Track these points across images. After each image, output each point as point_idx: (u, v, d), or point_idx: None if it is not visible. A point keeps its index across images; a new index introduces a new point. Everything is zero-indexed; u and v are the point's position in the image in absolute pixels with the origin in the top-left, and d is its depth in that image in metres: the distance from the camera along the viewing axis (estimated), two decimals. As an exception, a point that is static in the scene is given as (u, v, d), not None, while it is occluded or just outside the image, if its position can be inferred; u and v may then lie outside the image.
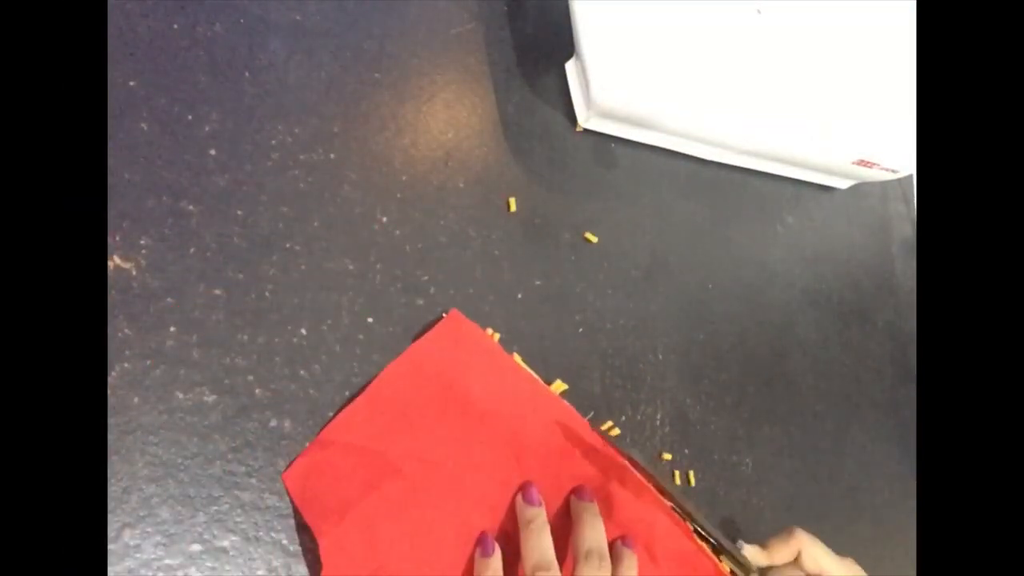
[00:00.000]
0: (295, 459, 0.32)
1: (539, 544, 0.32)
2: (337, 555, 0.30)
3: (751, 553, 0.37)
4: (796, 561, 0.38)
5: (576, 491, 0.36)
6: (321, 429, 0.32)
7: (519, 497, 0.34)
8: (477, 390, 0.36)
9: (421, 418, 0.34)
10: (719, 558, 0.37)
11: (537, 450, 0.36)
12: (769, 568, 0.38)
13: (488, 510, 0.34)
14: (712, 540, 0.38)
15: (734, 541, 0.38)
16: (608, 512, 0.36)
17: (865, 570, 0.38)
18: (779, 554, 0.38)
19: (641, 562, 0.35)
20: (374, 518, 0.31)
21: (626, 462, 0.38)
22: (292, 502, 0.31)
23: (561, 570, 0.31)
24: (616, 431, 0.41)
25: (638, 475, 0.37)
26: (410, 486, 0.33)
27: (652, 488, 0.37)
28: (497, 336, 0.38)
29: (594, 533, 0.33)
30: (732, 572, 0.38)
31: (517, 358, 0.38)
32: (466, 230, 0.39)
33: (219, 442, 0.30)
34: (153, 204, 0.31)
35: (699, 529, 0.38)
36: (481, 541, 0.33)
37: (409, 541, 0.32)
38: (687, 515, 0.37)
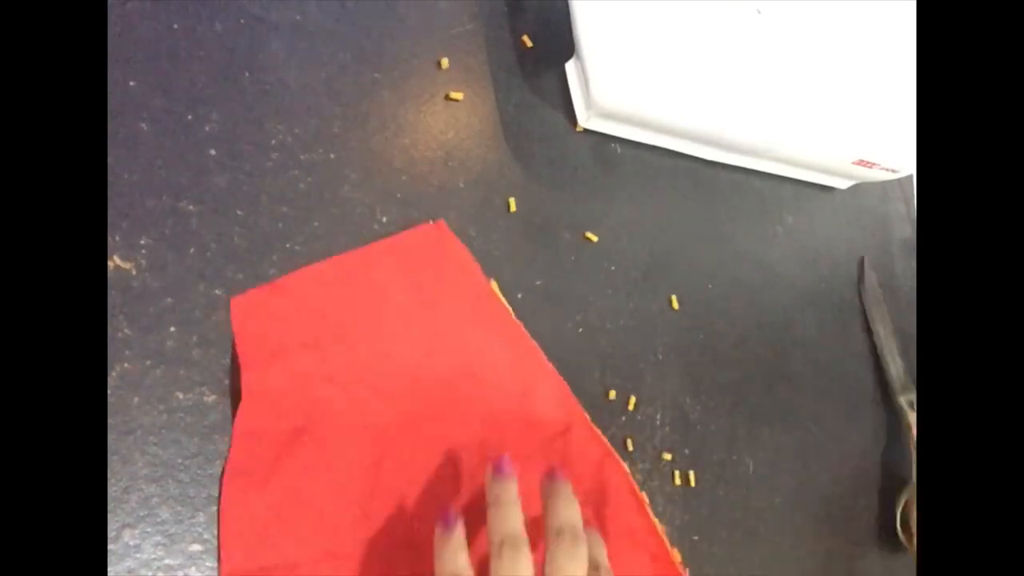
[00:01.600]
0: (247, 291, 0.32)
1: (509, 517, 0.29)
2: (258, 395, 0.30)
3: None
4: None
5: (548, 473, 0.34)
6: (282, 276, 0.32)
7: (489, 468, 0.32)
8: (447, 307, 0.35)
9: (384, 305, 0.34)
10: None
11: (509, 420, 0.36)
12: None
13: (451, 473, 0.33)
14: None
15: None
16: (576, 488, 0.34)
17: (864, 571, 0.37)
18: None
19: (609, 543, 0.34)
20: (307, 372, 0.31)
21: (607, 443, 0.37)
22: (231, 329, 0.31)
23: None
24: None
25: (620, 464, 0.37)
26: (355, 360, 0.32)
27: (628, 474, 0.37)
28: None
29: (568, 511, 0.31)
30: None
31: (493, 285, 0.38)
32: (466, 230, 0.39)
33: (219, 442, 0.30)
34: (153, 204, 0.31)
35: None
36: (442, 514, 0.30)
37: (346, 446, 0.31)
38: None
